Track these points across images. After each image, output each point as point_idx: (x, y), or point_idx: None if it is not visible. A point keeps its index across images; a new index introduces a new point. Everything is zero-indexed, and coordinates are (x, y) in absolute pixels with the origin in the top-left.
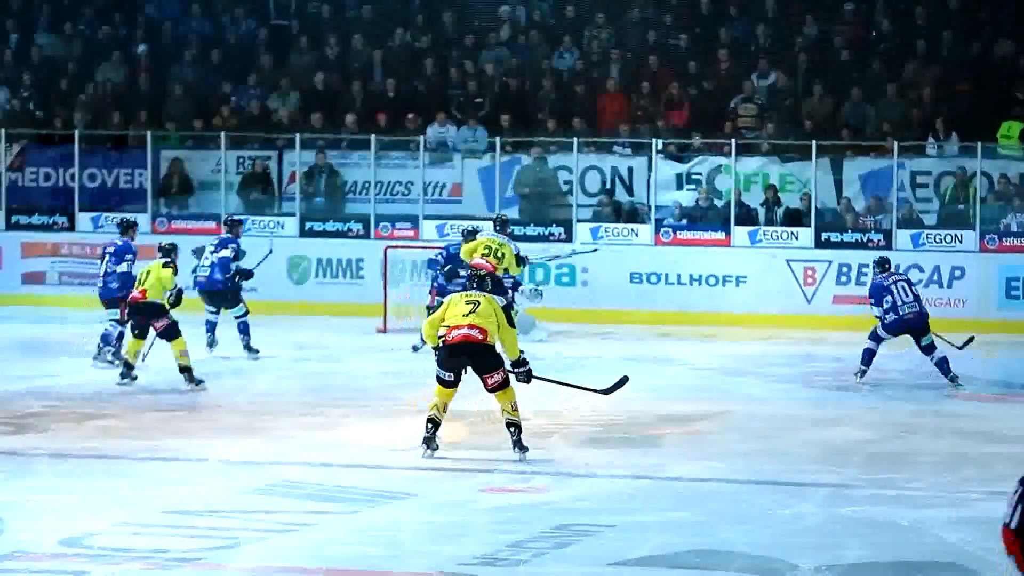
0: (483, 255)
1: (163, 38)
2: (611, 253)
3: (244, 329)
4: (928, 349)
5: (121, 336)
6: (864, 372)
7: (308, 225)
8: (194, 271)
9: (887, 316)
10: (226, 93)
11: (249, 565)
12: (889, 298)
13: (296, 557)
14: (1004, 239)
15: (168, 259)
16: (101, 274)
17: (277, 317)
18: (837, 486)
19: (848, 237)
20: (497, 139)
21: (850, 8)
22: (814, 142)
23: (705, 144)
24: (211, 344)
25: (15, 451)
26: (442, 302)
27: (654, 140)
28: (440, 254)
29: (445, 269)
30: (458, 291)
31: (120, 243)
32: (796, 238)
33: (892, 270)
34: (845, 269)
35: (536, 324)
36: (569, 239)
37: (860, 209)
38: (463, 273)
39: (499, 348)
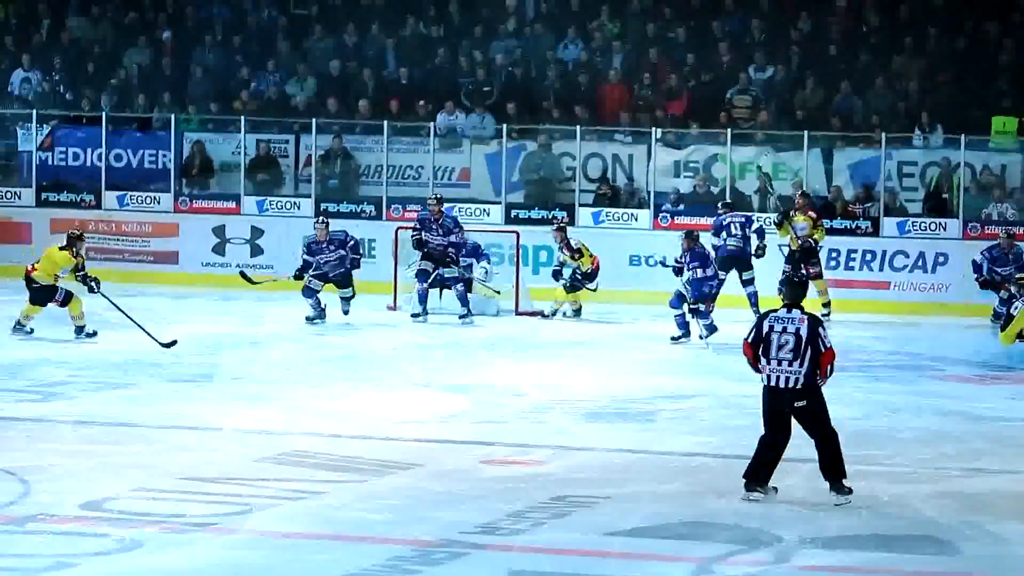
0: None
1: (187, 23)
2: (612, 236)
3: None
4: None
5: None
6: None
7: (323, 206)
8: None
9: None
10: (245, 78)
11: (261, 530)
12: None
13: (306, 523)
14: (986, 227)
15: None
16: None
17: (292, 293)
18: None
19: (837, 224)
20: (504, 126)
21: (841, 4)
22: (806, 132)
23: (702, 133)
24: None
25: (41, 417)
26: None
27: (653, 129)
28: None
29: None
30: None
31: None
32: None
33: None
34: (835, 254)
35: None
36: (572, 223)
37: (849, 197)
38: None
39: None
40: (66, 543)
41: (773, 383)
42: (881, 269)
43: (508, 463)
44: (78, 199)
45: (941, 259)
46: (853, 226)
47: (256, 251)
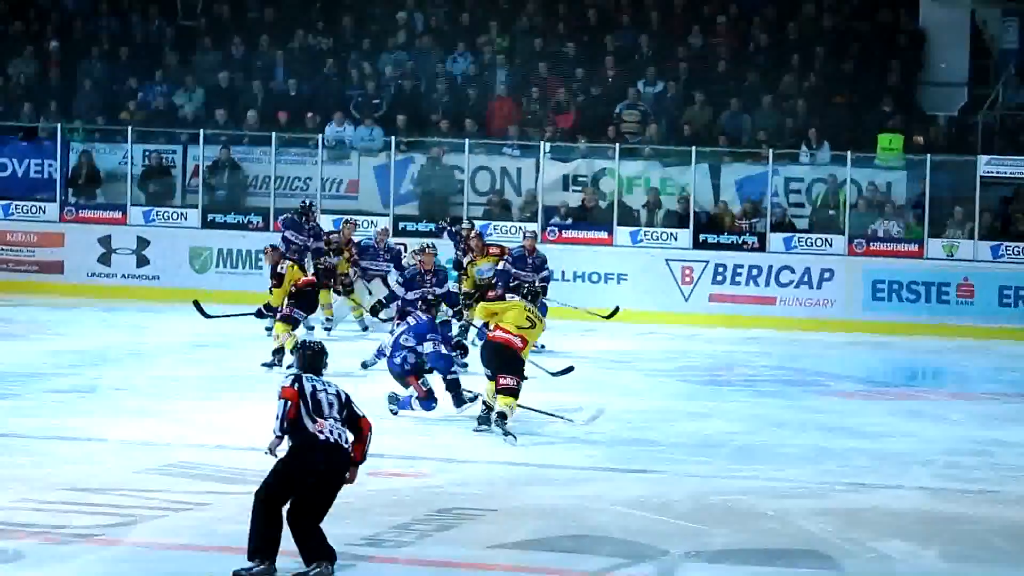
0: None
1: (74, 34)
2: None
3: None
4: None
5: None
6: None
7: (210, 217)
8: None
9: None
10: (133, 89)
11: (145, 541)
12: None
13: (190, 535)
14: (871, 244)
15: None
16: None
17: (176, 303)
18: (706, 476)
19: (724, 239)
20: (393, 138)
21: (723, 21)
22: (694, 148)
23: (590, 148)
24: None
25: None
26: None
27: (542, 143)
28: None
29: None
30: None
31: None
32: (675, 239)
33: None
34: (721, 269)
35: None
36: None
37: (736, 212)
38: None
39: None
40: None
41: None
42: (767, 284)
43: (394, 475)
44: None
45: (827, 275)
46: (740, 241)
47: (142, 261)
